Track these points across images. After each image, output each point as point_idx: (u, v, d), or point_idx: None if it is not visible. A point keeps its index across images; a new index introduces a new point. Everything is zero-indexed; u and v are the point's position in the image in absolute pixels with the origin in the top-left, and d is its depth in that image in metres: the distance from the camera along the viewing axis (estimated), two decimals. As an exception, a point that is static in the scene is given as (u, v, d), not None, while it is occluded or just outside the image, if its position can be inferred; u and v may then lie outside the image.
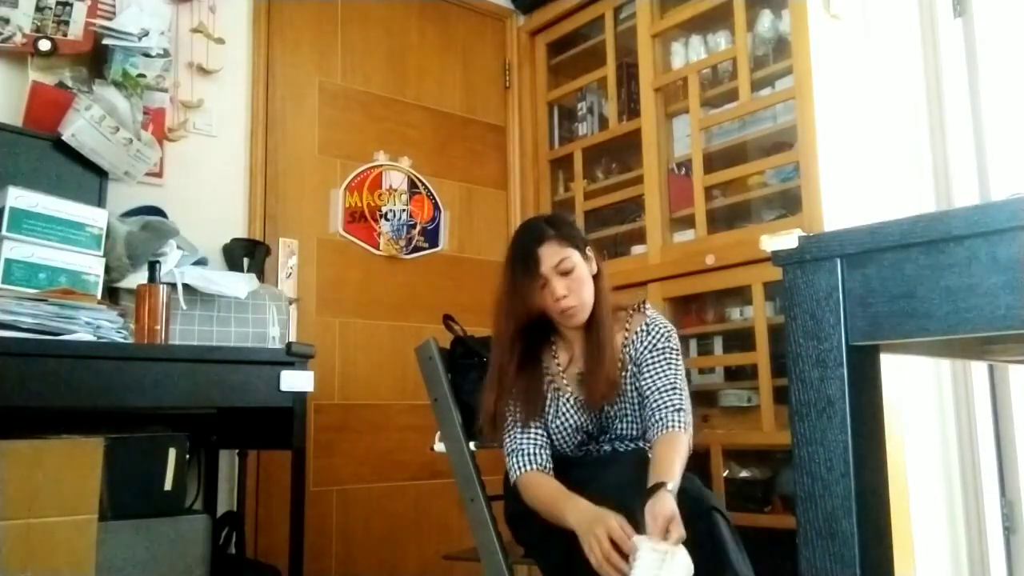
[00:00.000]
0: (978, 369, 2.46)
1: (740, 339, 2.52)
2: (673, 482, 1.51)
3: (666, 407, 1.70)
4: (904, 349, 0.98)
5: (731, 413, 2.48)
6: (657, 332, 1.79)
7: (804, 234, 0.80)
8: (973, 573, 2.45)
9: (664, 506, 1.44)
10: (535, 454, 1.74)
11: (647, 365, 1.76)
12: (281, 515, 2.02)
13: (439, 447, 1.91)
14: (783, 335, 0.82)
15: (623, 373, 1.78)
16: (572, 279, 1.73)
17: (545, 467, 1.73)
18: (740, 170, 2.54)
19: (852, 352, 0.77)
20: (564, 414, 1.79)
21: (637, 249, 2.83)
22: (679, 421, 1.68)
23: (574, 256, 1.74)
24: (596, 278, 1.79)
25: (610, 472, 1.68)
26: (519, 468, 1.73)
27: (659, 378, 1.74)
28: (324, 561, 2.58)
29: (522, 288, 1.73)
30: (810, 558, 0.77)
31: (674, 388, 1.73)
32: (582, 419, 1.78)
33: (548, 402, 1.79)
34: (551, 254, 1.73)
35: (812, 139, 2.27)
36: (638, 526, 1.46)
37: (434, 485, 2.81)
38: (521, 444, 1.75)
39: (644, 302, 1.88)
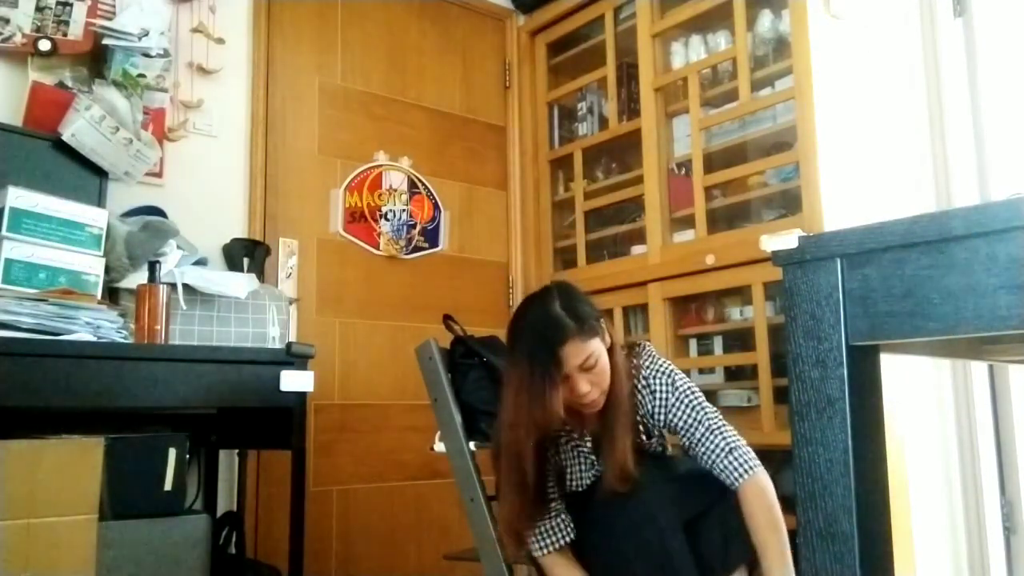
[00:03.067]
0: (978, 369, 2.46)
1: (740, 339, 2.52)
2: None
3: (717, 454, 1.62)
4: (904, 349, 0.98)
5: (731, 413, 2.46)
6: (661, 385, 1.70)
7: (804, 234, 0.80)
8: (973, 573, 2.45)
9: None
10: (556, 528, 1.66)
11: (674, 423, 1.68)
12: (281, 515, 2.02)
13: (439, 447, 1.91)
14: (783, 335, 0.82)
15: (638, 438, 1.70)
16: (595, 372, 1.59)
17: (567, 542, 1.66)
18: (740, 170, 2.54)
19: (852, 352, 0.77)
20: (582, 467, 1.72)
21: (637, 249, 2.82)
22: (741, 465, 1.60)
23: (597, 348, 1.59)
24: (610, 352, 1.64)
25: (625, 511, 1.61)
26: (542, 548, 1.65)
27: (693, 430, 1.65)
28: (324, 561, 2.58)
29: (547, 398, 1.54)
30: (810, 558, 0.77)
31: (710, 430, 1.64)
32: (596, 470, 1.72)
33: (566, 461, 1.72)
34: (575, 354, 1.56)
35: (812, 139, 2.27)
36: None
37: (434, 485, 2.81)
38: (542, 519, 1.65)
39: (640, 345, 1.77)
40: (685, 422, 1.67)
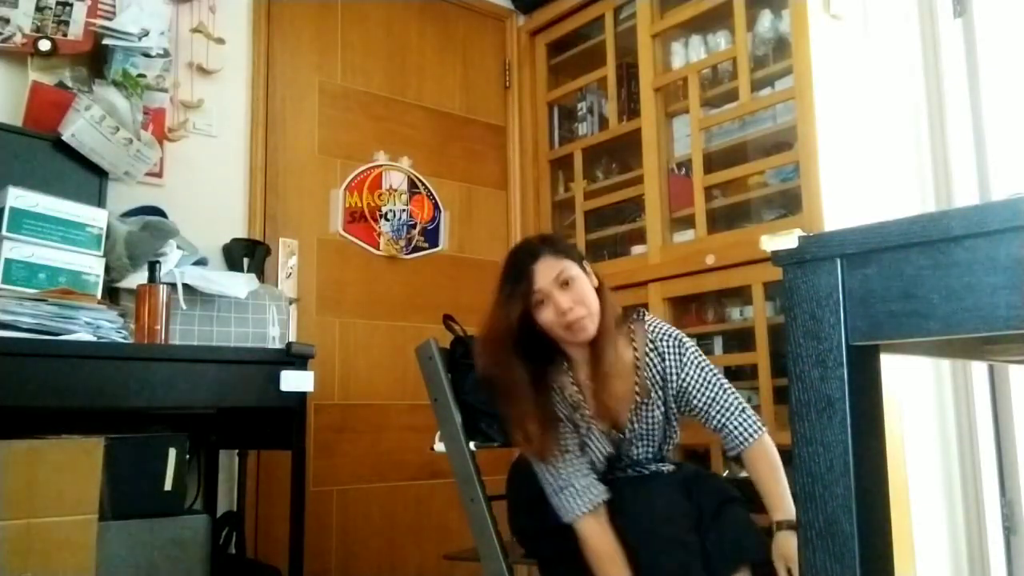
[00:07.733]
0: (978, 369, 2.45)
1: (740, 339, 2.52)
2: (791, 516, 1.52)
3: (731, 412, 1.69)
4: (904, 349, 0.98)
5: (731, 413, 2.47)
6: (668, 348, 1.74)
7: (804, 234, 0.80)
8: (973, 573, 2.44)
9: (790, 549, 1.48)
10: (587, 488, 1.65)
11: (685, 386, 1.72)
12: (281, 515, 2.02)
13: (439, 447, 1.91)
14: (783, 335, 0.82)
15: (637, 398, 1.73)
16: (575, 290, 1.65)
17: (600, 504, 1.65)
18: (740, 170, 2.54)
19: (852, 352, 0.77)
20: (593, 441, 1.74)
21: (637, 249, 2.83)
22: (752, 425, 1.69)
23: (572, 268, 1.67)
24: (599, 291, 1.71)
25: (643, 506, 1.64)
26: (574, 510, 1.64)
27: (705, 390, 1.71)
28: (324, 561, 2.58)
29: (511, 300, 1.65)
30: (810, 558, 0.77)
31: (723, 389, 1.72)
32: (606, 446, 1.74)
33: (580, 431, 1.73)
34: (547, 268, 1.65)
35: (812, 139, 2.27)
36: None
37: (434, 485, 2.81)
38: (569, 479, 1.66)
39: (641, 311, 1.82)
40: (698, 381, 1.72)
